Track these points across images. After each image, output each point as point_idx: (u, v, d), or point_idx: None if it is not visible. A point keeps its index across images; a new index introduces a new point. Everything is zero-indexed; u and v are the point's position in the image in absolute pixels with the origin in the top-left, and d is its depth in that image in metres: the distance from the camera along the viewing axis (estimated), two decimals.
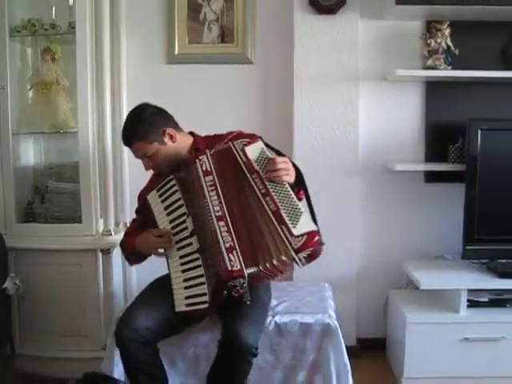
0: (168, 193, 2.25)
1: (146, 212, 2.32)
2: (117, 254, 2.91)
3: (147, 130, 2.26)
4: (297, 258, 2.02)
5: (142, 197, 2.40)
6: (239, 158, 2.15)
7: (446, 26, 2.92)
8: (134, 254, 2.38)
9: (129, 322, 2.12)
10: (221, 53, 3.13)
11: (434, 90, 3.09)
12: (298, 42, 2.99)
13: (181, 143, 2.33)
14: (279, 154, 2.22)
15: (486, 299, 2.81)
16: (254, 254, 2.05)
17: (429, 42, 2.94)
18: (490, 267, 2.88)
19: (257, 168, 2.12)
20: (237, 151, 2.16)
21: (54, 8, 2.89)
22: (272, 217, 2.05)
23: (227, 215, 2.09)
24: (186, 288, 2.16)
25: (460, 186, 2.88)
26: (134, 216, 2.52)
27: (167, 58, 3.15)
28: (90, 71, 2.78)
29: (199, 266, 2.14)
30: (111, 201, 2.92)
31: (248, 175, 2.12)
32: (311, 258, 2.06)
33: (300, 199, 2.19)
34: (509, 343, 2.71)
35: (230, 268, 2.01)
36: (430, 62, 2.95)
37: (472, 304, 2.77)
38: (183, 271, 2.18)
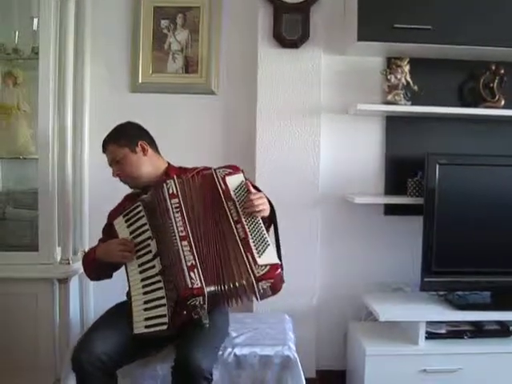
0: (134, 218, 2.28)
1: (112, 234, 2.33)
2: (74, 284, 2.85)
3: (121, 135, 2.39)
4: (256, 286, 2.05)
5: (111, 217, 2.42)
6: (218, 185, 2.22)
7: (405, 63, 2.99)
8: (95, 265, 2.35)
9: (86, 346, 2.08)
10: (184, 83, 3.14)
11: (394, 124, 3.15)
12: (261, 74, 3.02)
13: (152, 161, 2.43)
14: (257, 189, 2.30)
15: (443, 331, 2.84)
16: (216, 275, 2.08)
17: (389, 77, 3.00)
18: (447, 299, 2.93)
19: (233, 196, 2.20)
20: (217, 178, 2.24)
21: (17, 32, 2.86)
22: (240, 243, 2.11)
23: (190, 235, 2.13)
24: (145, 310, 2.14)
25: (418, 219, 2.92)
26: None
27: (131, 87, 3.14)
28: (52, 97, 2.75)
29: (160, 289, 2.14)
30: (70, 229, 2.86)
31: (224, 201, 2.19)
32: (270, 292, 2.09)
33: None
34: (466, 375, 2.74)
35: (190, 285, 2.03)
36: (389, 97, 3.01)
37: (430, 336, 2.80)
38: (144, 293, 2.17)
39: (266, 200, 2.23)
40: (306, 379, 2.33)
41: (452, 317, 2.80)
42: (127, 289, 2.29)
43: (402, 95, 3.00)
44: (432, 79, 3.08)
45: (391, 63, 3.03)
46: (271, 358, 2.31)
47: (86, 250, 2.90)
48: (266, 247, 2.12)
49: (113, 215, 2.41)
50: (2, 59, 2.88)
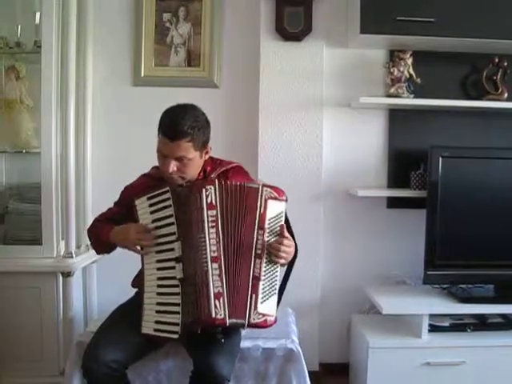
0: (160, 205, 2.08)
1: (127, 211, 2.15)
2: (78, 277, 2.85)
3: (201, 137, 2.11)
4: (244, 327, 2.05)
5: (127, 194, 2.26)
6: (259, 206, 2.05)
7: (408, 56, 2.99)
8: (105, 244, 2.23)
9: (96, 354, 2.01)
10: (187, 76, 3.14)
11: (397, 117, 3.14)
12: (263, 67, 3.02)
13: (203, 161, 2.22)
14: (288, 226, 2.15)
15: (446, 324, 2.85)
16: (241, 306, 2.01)
17: (392, 70, 3.00)
18: (450, 292, 2.93)
19: (266, 226, 2.05)
20: (261, 197, 2.06)
21: (19, 26, 2.86)
22: (250, 280, 2.02)
23: (222, 258, 2.01)
24: (158, 312, 2.06)
25: (421, 212, 2.92)
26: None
27: (133, 80, 3.14)
28: (55, 91, 2.74)
29: (177, 294, 2.03)
30: (73, 222, 2.86)
31: (256, 227, 2.04)
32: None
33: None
34: (469, 368, 2.74)
35: (213, 315, 1.96)
36: (392, 90, 3.00)
37: (433, 329, 2.80)
38: (159, 294, 2.07)
39: (293, 250, 2.10)
40: (309, 372, 2.34)
41: (455, 310, 2.81)
42: (133, 278, 2.26)
43: (404, 88, 3.00)
44: (435, 72, 3.07)
45: (394, 56, 3.03)
46: (274, 350, 2.31)
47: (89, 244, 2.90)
48: (272, 295, 2.05)
49: (129, 192, 2.24)
50: (4, 53, 2.87)
